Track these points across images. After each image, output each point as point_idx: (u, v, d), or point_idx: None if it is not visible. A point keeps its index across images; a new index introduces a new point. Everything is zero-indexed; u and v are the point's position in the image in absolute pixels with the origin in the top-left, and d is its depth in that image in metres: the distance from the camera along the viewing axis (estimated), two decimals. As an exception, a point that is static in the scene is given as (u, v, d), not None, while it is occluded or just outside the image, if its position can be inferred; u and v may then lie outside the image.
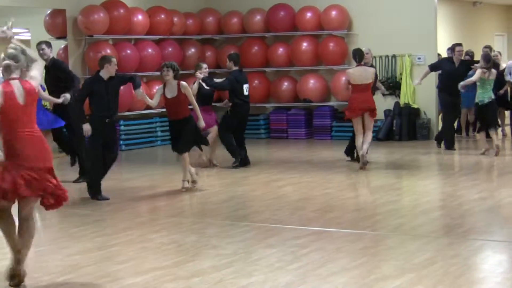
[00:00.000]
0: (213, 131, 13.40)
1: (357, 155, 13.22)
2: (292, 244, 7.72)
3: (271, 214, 9.41)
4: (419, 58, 17.10)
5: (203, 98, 13.24)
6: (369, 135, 12.78)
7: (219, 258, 7.25)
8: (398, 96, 17.28)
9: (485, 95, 13.94)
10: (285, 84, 18.52)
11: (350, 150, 13.76)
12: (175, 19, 17.92)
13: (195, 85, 13.13)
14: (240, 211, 9.84)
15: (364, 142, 12.70)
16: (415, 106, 17.16)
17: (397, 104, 17.20)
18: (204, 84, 13.15)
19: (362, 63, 12.93)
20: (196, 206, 10.41)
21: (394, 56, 17.42)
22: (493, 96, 14.15)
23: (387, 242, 7.84)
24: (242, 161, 13.41)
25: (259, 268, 6.86)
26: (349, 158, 13.77)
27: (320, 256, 7.21)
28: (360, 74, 12.71)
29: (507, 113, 17.60)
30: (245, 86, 13.33)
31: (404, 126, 16.94)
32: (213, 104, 13.91)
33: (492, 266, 6.91)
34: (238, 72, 13.41)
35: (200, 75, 13.15)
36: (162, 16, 17.61)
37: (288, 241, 7.85)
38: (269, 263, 7.04)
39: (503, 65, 17.57)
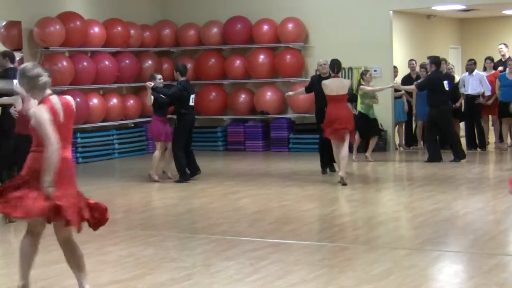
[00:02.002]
0: (161, 145, 13.37)
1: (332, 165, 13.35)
2: (250, 256, 7.74)
3: (229, 227, 9.43)
4: (375, 70, 17.24)
5: (159, 106, 13.26)
6: (345, 151, 12.49)
7: (178, 271, 7.24)
8: (355, 108, 17.40)
9: None
10: (242, 97, 18.56)
11: (325, 163, 13.75)
12: (132, 31, 17.89)
13: (149, 95, 13.16)
14: (198, 223, 9.84)
15: (340, 159, 12.47)
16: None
17: (354, 116, 17.30)
18: (154, 92, 13.16)
19: (339, 74, 12.99)
20: (154, 219, 10.38)
21: (350, 68, 17.56)
22: None
23: (345, 253, 7.90)
24: (190, 174, 13.40)
25: (218, 281, 6.87)
26: (326, 172, 13.72)
27: (279, 268, 7.24)
28: (337, 85, 12.64)
29: (462, 124, 17.80)
30: (192, 97, 13.32)
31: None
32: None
33: (448, 277, 6.99)
34: (186, 82, 13.39)
35: (149, 84, 13.16)
36: (119, 28, 17.56)
37: (246, 253, 7.86)
38: (227, 275, 7.05)
39: (457, 77, 17.81)
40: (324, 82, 12.79)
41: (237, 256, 7.78)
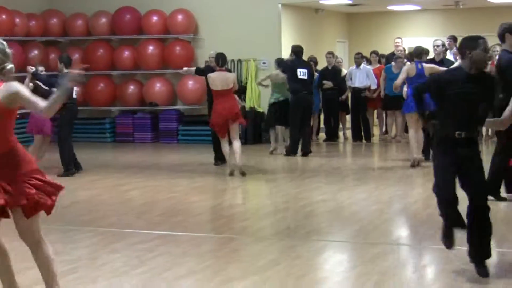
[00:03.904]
0: (39, 139, 13.08)
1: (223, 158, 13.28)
2: (137, 248, 7.68)
3: (117, 219, 9.34)
4: (264, 63, 17.40)
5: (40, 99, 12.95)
6: (237, 144, 12.51)
7: (62, 264, 7.09)
8: (244, 100, 17.50)
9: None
10: (131, 88, 18.41)
11: (216, 155, 13.71)
12: (17, 19, 17.44)
13: (27, 80, 12.80)
14: (85, 216, 9.69)
15: (234, 152, 12.44)
16: (261, 110, 17.43)
17: (243, 108, 17.39)
18: (34, 81, 12.85)
19: (224, 68, 12.94)
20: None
21: (239, 61, 17.64)
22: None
23: (232, 244, 7.94)
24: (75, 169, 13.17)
25: (103, 274, 6.79)
26: (218, 163, 13.65)
27: (166, 260, 7.21)
28: (221, 79, 12.52)
29: (348, 117, 18.15)
30: (75, 89, 13.02)
31: (249, 130, 17.15)
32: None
33: (332, 266, 7.12)
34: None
35: (30, 68, 12.85)
36: (3, 16, 17.08)
37: (133, 246, 7.80)
38: (114, 268, 6.97)
39: (344, 71, 18.15)
40: (210, 75, 12.67)
41: (124, 248, 7.71)
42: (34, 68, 12.98)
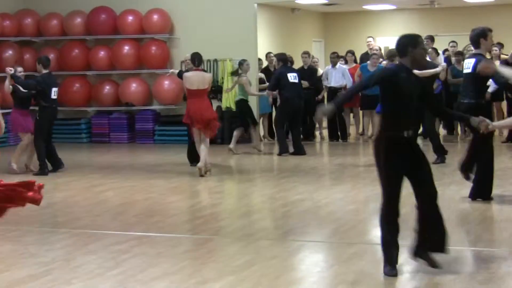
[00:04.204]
0: (27, 137, 13.06)
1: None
2: (112, 250, 7.63)
3: (92, 220, 9.28)
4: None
5: (20, 101, 12.94)
6: (204, 144, 12.50)
7: (37, 266, 7.06)
8: (220, 100, 17.46)
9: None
10: (107, 88, 18.32)
11: (190, 156, 13.65)
12: (-9, 20, 17.31)
13: (7, 82, 12.79)
14: (59, 217, 9.63)
15: (202, 150, 12.44)
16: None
17: (219, 108, 17.36)
18: (11, 82, 12.81)
19: (200, 67, 12.91)
20: (12, 213, 9.95)
21: (215, 61, 17.60)
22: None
23: (208, 245, 7.91)
24: (53, 168, 13.14)
25: (78, 276, 6.74)
26: (194, 164, 13.50)
27: (141, 261, 7.17)
28: (197, 79, 12.46)
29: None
30: (54, 90, 13.00)
31: (226, 130, 17.12)
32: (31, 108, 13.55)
33: (308, 266, 7.11)
34: (48, 74, 13.08)
35: (9, 70, 12.81)
36: (-23, 16, 16.97)
37: (108, 247, 7.75)
38: (88, 270, 6.92)
39: (320, 70, 18.15)
40: (186, 74, 12.64)
41: (99, 250, 7.66)
42: (13, 70, 12.91)
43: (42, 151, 12.91)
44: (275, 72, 15.78)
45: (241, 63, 15.51)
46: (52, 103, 13.02)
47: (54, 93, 12.98)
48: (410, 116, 6.37)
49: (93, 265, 7.06)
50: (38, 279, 6.63)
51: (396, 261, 6.55)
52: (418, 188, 6.49)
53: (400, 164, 6.42)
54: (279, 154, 15.03)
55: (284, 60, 15.48)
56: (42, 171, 12.88)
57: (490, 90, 16.09)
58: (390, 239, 6.57)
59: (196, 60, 12.75)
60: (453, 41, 18.18)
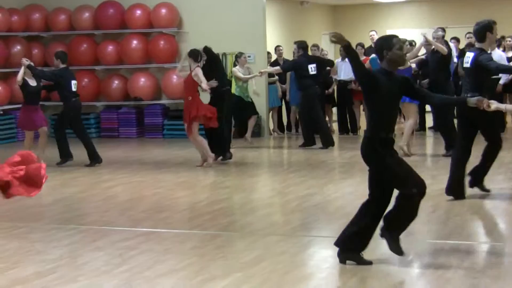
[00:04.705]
0: (42, 131, 13.04)
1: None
2: (120, 246, 7.56)
3: (99, 216, 9.21)
4: (249, 56, 17.21)
5: (30, 96, 12.89)
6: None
7: (43, 264, 6.99)
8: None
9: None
10: (115, 83, 18.25)
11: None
12: (-1, 15, 17.26)
13: (21, 72, 12.77)
14: (67, 213, 9.55)
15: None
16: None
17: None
18: (29, 74, 12.79)
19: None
20: (20, 210, 9.94)
21: (224, 54, 17.47)
22: None
23: (216, 241, 7.81)
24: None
25: (84, 273, 6.67)
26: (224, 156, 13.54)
27: (148, 258, 7.09)
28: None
29: (334, 110, 18.05)
30: (73, 82, 13.09)
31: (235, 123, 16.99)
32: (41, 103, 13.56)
33: (318, 262, 7.02)
34: (65, 69, 13.13)
35: (26, 61, 12.79)
36: (-15, 12, 16.91)
37: (116, 244, 7.68)
38: (95, 267, 6.85)
39: (329, 63, 18.01)
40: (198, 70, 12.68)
41: (106, 246, 7.59)
42: (29, 61, 12.91)
43: (64, 143, 13.19)
44: (295, 59, 15.39)
45: (238, 56, 15.45)
46: (75, 95, 13.09)
47: (74, 85, 13.15)
48: (390, 117, 6.54)
49: (100, 262, 6.99)
50: (44, 277, 6.56)
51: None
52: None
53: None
54: (303, 146, 15.02)
55: (305, 48, 15.22)
56: (65, 160, 13.18)
57: (501, 82, 15.97)
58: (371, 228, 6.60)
59: (200, 56, 12.93)
60: (469, 32, 17.85)
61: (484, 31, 9.05)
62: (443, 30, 16.24)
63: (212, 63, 13.30)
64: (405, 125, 13.44)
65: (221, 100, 13.27)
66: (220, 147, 13.27)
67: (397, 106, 6.66)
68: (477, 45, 9.27)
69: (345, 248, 6.60)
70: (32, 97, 12.99)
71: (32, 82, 12.93)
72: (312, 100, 14.93)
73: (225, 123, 13.35)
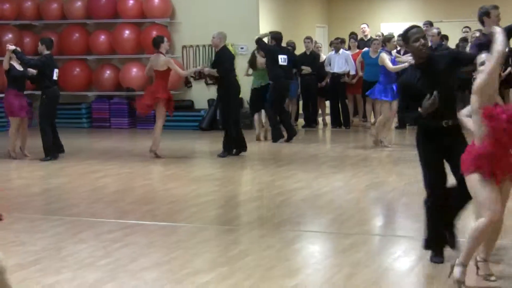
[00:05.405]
0: (16, 122, 12.89)
1: None
2: (104, 238, 7.47)
3: (86, 207, 9.12)
4: (242, 48, 17.16)
5: (14, 81, 12.74)
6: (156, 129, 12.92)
7: (26, 255, 6.90)
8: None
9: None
10: (107, 73, 18.14)
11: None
12: (-10, 3, 17.13)
13: (7, 57, 12.66)
14: (53, 204, 9.46)
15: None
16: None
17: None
18: (15, 57, 12.65)
19: (160, 50, 12.81)
20: (5, 200, 9.84)
21: (217, 46, 17.33)
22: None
23: (202, 234, 7.72)
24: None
25: (67, 265, 6.58)
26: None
27: (132, 250, 7.00)
28: (153, 60, 12.77)
29: (327, 103, 17.96)
30: (55, 71, 12.87)
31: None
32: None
33: (304, 257, 6.94)
34: (49, 56, 12.88)
35: (11, 47, 12.63)
36: (-24, -1, 16.78)
37: (101, 236, 7.59)
38: (79, 259, 6.76)
39: (323, 56, 17.94)
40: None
41: (91, 238, 7.50)
42: (14, 46, 12.75)
43: (48, 136, 12.73)
44: (269, 47, 15.05)
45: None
46: (54, 84, 12.86)
47: (55, 74, 12.86)
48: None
49: (84, 254, 6.90)
50: (26, 268, 6.47)
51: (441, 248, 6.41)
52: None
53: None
54: (275, 141, 14.86)
55: (278, 39, 15.10)
56: (52, 156, 12.71)
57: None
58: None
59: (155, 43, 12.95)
60: (466, 27, 17.77)
61: (481, 17, 9.10)
62: (431, 24, 16.20)
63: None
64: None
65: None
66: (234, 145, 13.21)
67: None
68: (483, 30, 9.35)
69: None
70: (17, 82, 12.79)
71: (19, 67, 12.77)
72: (279, 94, 14.83)
73: (232, 124, 13.21)
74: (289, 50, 15.53)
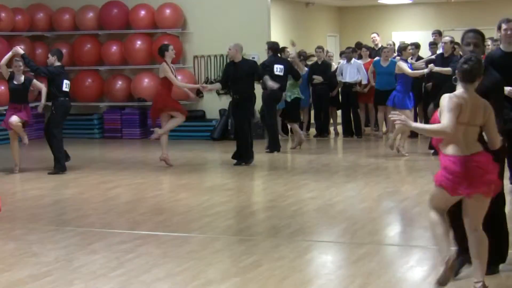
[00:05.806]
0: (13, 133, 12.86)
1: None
2: (117, 249, 7.47)
3: (98, 218, 9.12)
4: (253, 57, 17.13)
5: (10, 93, 12.69)
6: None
7: (39, 266, 6.90)
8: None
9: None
10: (119, 83, 18.18)
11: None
12: (3, 14, 17.21)
13: (6, 57, 12.64)
14: (65, 215, 9.48)
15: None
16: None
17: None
18: (18, 69, 12.62)
19: (165, 58, 12.89)
20: (18, 211, 9.87)
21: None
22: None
23: (215, 245, 7.71)
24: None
25: (80, 276, 6.58)
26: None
27: (145, 261, 7.00)
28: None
29: (339, 112, 17.94)
30: (66, 82, 12.79)
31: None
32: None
33: (316, 268, 6.92)
34: (60, 67, 12.84)
35: (20, 50, 12.61)
36: (-11, 11, 16.85)
37: (113, 246, 7.59)
38: (91, 270, 6.76)
39: (334, 65, 17.94)
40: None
41: (103, 249, 7.50)
42: (23, 51, 12.75)
43: (60, 146, 12.67)
44: (263, 61, 15.16)
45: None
46: (65, 95, 12.77)
47: (66, 85, 12.71)
48: None
49: (96, 265, 6.90)
50: (38, 280, 6.48)
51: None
52: None
53: None
54: (271, 151, 14.85)
55: (275, 50, 15.09)
56: (61, 168, 12.67)
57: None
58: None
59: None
60: None
61: (497, 28, 9.10)
62: (440, 33, 16.19)
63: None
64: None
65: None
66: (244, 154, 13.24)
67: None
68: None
69: None
70: (12, 95, 12.72)
71: (17, 80, 12.68)
72: (270, 103, 14.84)
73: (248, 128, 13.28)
74: (285, 60, 15.49)
